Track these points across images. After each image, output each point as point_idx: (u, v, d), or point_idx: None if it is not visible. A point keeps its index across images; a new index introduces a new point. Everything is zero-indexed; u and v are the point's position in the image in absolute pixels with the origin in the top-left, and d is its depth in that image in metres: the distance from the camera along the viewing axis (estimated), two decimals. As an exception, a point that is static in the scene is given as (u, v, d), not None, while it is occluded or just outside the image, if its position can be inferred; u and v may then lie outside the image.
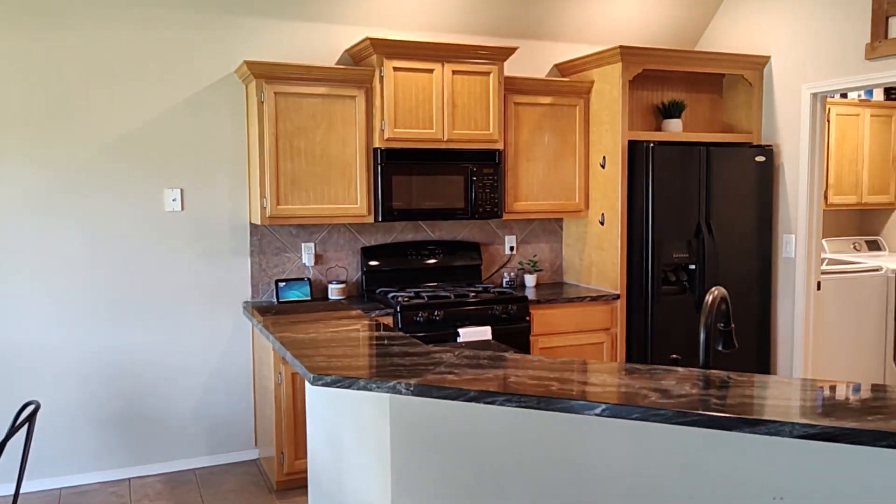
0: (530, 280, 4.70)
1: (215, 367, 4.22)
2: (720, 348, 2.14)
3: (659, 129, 4.79)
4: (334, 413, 2.59)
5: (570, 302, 4.31)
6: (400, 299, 4.02)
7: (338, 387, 1.86)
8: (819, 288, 4.49)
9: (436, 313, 3.97)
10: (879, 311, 4.88)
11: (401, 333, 2.36)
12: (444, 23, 4.49)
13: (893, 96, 5.45)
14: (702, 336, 1.95)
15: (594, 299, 4.36)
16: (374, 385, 1.83)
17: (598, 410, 1.60)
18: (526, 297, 4.20)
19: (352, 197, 4.12)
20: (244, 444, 4.31)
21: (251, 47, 4.16)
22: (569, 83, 4.53)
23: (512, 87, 4.40)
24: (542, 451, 1.80)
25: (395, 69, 4.08)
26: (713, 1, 4.90)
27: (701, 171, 4.37)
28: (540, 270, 4.83)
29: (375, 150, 4.12)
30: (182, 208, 4.10)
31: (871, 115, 5.36)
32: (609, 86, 4.41)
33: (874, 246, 5.53)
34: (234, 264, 4.22)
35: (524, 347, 4.15)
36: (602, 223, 4.52)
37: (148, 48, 3.96)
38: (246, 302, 4.22)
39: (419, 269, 4.50)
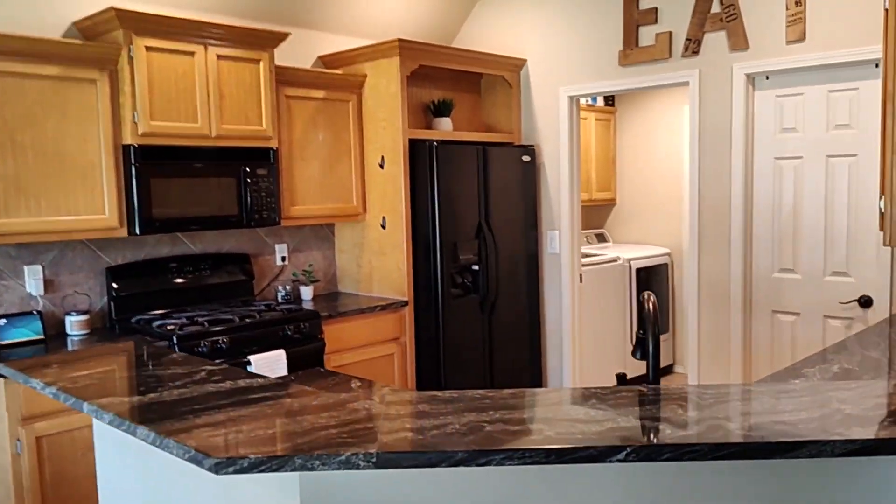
0: (307, 292, 4.25)
1: None
2: (637, 357, 2.03)
3: (430, 127, 4.65)
4: (167, 494, 1.96)
5: (363, 313, 3.97)
6: (171, 328, 3.32)
7: (260, 471, 1.34)
8: (581, 280, 4.75)
9: (221, 341, 3.35)
10: (622, 298, 5.34)
11: (273, 379, 1.84)
12: (194, 0, 3.82)
13: (611, 103, 6.02)
14: (650, 347, 1.80)
15: (384, 308, 4.07)
16: (316, 462, 1.34)
17: (622, 455, 1.35)
18: (318, 312, 3.76)
19: (98, 205, 3.30)
20: (-47, 539, 3.22)
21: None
22: (342, 76, 4.16)
23: (283, 78, 3.91)
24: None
25: (149, 49, 3.35)
26: (467, 2, 4.90)
27: (479, 171, 4.33)
28: (317, 281, 4.39)
29: (127, 147, 3.35)
30: None
31: (596, 119, 5.85)
32: (385, 81, 4.15)
33: (602, 238, 6.07)
34: (-78, 300, 3.12)
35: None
36: (384, 227, 4.25)
37: None
38: (-54, 350, 3.14)
39: (182, 289, 3.78)
